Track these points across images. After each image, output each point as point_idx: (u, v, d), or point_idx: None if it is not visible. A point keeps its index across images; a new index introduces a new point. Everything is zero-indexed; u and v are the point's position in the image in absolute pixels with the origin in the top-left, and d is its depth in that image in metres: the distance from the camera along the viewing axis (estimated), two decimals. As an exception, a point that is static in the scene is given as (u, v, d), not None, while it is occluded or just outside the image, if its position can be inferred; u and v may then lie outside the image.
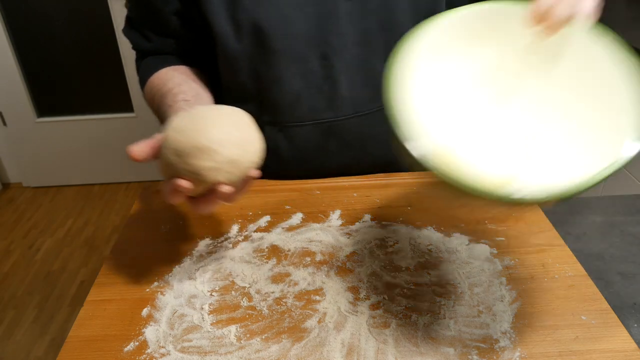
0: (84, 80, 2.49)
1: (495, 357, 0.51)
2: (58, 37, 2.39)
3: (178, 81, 0.72)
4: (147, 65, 0.79)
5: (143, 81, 0.79)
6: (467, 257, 0.64)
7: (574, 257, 0.64)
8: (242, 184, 0.56)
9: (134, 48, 0.82)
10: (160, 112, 0.70)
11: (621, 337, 0.52)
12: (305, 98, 0.76)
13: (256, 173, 0.55)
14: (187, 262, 0.65)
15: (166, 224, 0.73)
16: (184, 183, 0.51)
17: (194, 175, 0.51)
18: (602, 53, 0.48)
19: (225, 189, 0.52)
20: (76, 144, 2.59)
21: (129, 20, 0.80)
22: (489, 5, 0.53)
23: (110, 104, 2.54)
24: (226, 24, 0.71)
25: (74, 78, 2.49)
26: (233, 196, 0.55)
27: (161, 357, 0.52)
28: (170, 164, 0.52)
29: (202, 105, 0.65)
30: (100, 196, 2.59)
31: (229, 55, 0.74)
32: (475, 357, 0.51)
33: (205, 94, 0.73)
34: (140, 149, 0.54)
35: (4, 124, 2.53)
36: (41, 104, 2.53)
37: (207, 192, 0.53)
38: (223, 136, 0.52)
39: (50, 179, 2.68)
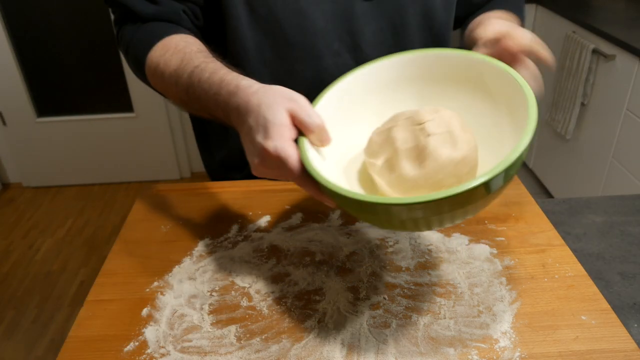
0: (84, 80, 2.49)
1: (495, 357, 0.51)
2: (58, 37, 2.39)
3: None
4: (155, 28, 0.68)
5: (149, 44, 0.66)
6: (467, 257, 0.64)
7: (574, 257, 0.64)
8: None
9: (131, 11, 0.70)
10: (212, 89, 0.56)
11: (621, 337, 0.52)
12: (315, 94, 0.76)
13: None
14: (187, 262, 0.65)
15: (166, 224, 0.73)
16: None
17: None
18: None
19: None
20: (76, 144, 2.59)
21: None
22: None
23: (110, 104, 2.54)
24: (241, 8, 0.69)
25: (74, 78, 2.49)
26: None
27: (161, 357, 0.52)
28: None
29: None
30: (100, 196, 2.59)
31: (239, 42, 0.71)
32: (475, 357, 0.51)
33: None
34: None
35: (4, 124, 2.52)
36: (41, 104, 2.53)
37: None
38: None
39: (50, 179, 2.68)
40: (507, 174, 0.43)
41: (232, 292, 0.61)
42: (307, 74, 0.73)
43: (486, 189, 0.43)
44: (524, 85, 0.50)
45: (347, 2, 0.71)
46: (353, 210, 0.48)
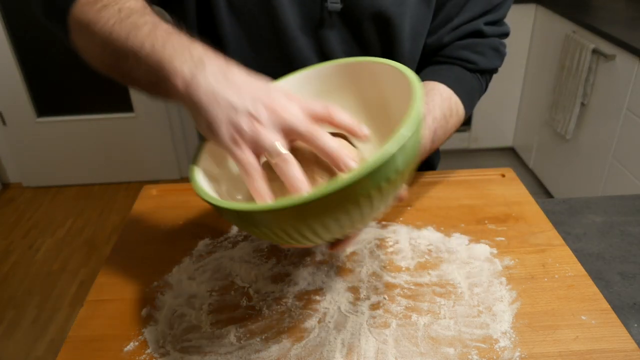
0: (84, 80, 2.49)
1: (495, 357, 0.51)
2: (58, 37, 2.39)
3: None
4: None
5: None
6: (467, 257, 0.64)
7: (574, 257, 0.64)
8: None
9: None
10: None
11: (621, 337, 0.52)
12: None
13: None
14: (186, 262, 0.65)
15: (166, 224, 0.73)
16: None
17: None
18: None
19: None
20: (76, 144, 2.60)
21: None
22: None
23: (110, 104, 2.54)
24: None
25: (74, 78, 2.49)
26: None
27: (161, 357, 0.52)
28: None
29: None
30: (100, 196, 2.59)
31: (220, 30, 0.70)
32: (475, 357, 0.51)
33: None
34: None
35: (4, 124, 2.53)
36: (41, 103, 2.53)
37: None
38: None
39: (50, 179, 2.68)
40: (374, 176, 0.39)
41: (232, 292, 0.61)
42: (280, 76, 0.73)
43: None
44: (413, 80, 0.47)
45: (315, 10, 0.70)
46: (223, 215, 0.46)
